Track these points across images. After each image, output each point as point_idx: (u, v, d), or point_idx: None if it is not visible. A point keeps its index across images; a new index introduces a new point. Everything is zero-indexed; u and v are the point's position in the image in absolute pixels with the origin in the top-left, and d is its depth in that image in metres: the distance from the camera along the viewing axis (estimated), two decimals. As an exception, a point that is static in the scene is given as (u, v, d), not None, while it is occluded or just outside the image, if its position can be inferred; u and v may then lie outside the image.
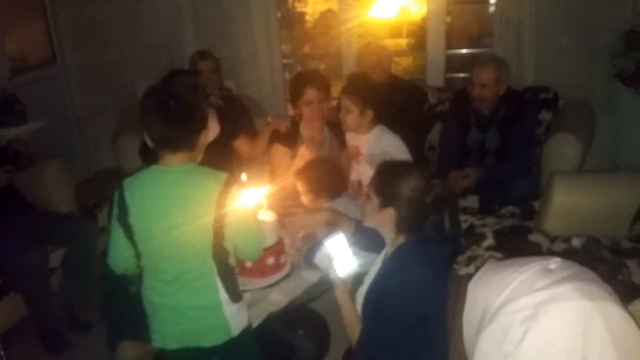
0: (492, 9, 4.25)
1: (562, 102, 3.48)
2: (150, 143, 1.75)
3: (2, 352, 2.77)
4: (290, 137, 2.89)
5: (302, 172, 2.53)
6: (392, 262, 1.77)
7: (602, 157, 3.67)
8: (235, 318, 1.82)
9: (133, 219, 1.73)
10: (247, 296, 2.02)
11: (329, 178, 2.50)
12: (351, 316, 1.83)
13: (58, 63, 4.53)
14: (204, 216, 1.69)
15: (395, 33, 6.00)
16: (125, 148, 3.62)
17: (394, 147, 2.78)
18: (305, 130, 2.92)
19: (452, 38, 4.59)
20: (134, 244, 1.77)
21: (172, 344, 1.81)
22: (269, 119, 3.04)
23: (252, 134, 3.19)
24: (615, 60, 3.54)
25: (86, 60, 4.55)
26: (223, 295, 1.77)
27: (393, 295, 1.70)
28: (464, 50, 4.52)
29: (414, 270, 1.68)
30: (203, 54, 3.63)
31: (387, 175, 1.79)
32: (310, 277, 2.21)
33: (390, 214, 1.75)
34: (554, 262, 0.98)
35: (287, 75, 4.56)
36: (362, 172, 2.86)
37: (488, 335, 0.99)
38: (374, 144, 2.83)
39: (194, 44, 4.28)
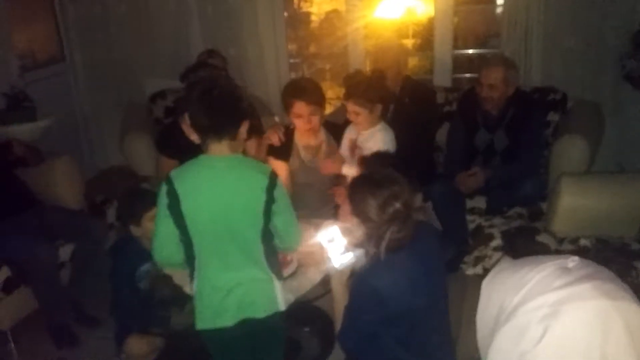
0: (499, 9, 4.25)
1: (570, 104, 3.48)
2: (194, 135, 1.90)
3: (12, 346, 2.80)
4: (284, 149, 2.86)
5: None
6: (364, 269, 1.82)
7: (610, 159, 3.66)
8: (281, 294, 1.96)
9: (186, 206, 1.82)
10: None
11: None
12: (340, 306, 1.88)
13: (67, 60, 4.55)
14: (255, 202, 1.84)
15: (402, 33, 5.98)
16: (133, 145, 3.65)
17: (379, 148, 2.71)
18: (299, 138, 2.89)
19: (458, 39, 4.59)
20: (185, 232, 1.85)
21: (224, 321, 1.90)
22: (267, 133, 2.92)
23: (260, 135, 3.19)
24: (624, 62, 3.53)
25: (94, 58, 4.57)
26: (270, 272, 1.93)
27: (354, 300, 1.79)
28: (471, 51, 4.53)
29: (378, 280, 1.72)
30: (211, 52, 3.67)
31: (354, 190, 1.81)
32: (315, 275, 2.23)
33: (357, 224, 1.79)
34: (572, 261, 0.99)
35: (294, 75, 4.57)
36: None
37: (505, 334, 0.99)
38: (369, 138, 2.79)
39: (201, 43, 4.30)
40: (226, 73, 3.44)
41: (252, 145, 3.07)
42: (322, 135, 2.93)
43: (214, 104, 1.83)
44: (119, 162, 4.04)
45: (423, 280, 1.77)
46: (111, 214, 3.32)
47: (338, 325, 1.88)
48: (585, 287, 0.94)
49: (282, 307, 1.97)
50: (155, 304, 2.33)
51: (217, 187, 1.85)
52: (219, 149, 1.86)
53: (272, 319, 1.96)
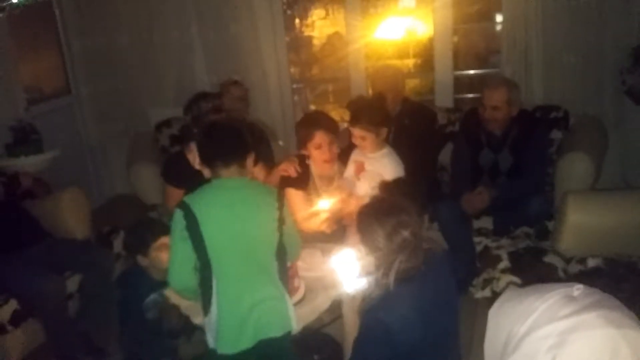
0: (498, 27, 4.28)
1: (573, 121, 3.48)
2: (204, 168, 2.06)
3: (21, 380, 2.80)
4: (301, 179, 2.86)
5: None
6: (374, 301, 1.79)
7: (614, 174, 3.66)
8: (293, 313, 2.02)
9: (205, 227, 1.89)
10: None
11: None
12: (351, 332, 1.89)
13: (72, 93, 4.61)
14: (269, 219, 1.96)
15: (402, 54, 6.04)
16: (139, 174, 3.68)
17: (388, 174, 2.72)
18: (315, 167, 2.90)
19: (459, 57, 4.62)
20: (203, 254, 1.90)
21: (244, 343, 1.93)
22: (281, 165, 2.91)
23: (270, 163, 3.20)
24: (624, 77, 3.55)
25: (100, 89, 4.63)
26: (283, 290, 2.00)
27: (363, 334, 1.76)
28: (472, 72, 4.56)
29: (388, 314, 1.69)
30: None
31: (362, 218, 1.81)
32: (324, 302, 2.22)
33: (366, 253, 1.79)
34: (577, 289, 0.99)
35: (297, 99, 4.61)
36: (361, 189, 2.82)
37: (513, 363, 0.99)
38: (375, 162, 2.80)
39: (205, 71, 4.36)
40: (246, 103, 3.54)
41: (261, 172, 3.08)
42: (336, 166, 2.93)
43: (219, 137, 2.01)
44: (126, 191, 4.07)
45: (434, 313, 1.74)
46: (118, 244, 3.33)
47: (348, 353, 1.87)
48: (591, 316, 0.94)
49: (295, 326, 2.01)
50: (163, 335, 2.32)
51: (233, 206, 1.95)
52: (229, 173, 1.99)
53: (286, 339, 2.00)
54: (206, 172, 2.05)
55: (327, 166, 2.87)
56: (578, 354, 0.92)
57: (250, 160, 2.05)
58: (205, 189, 2.00)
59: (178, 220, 1.91)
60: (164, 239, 2.27)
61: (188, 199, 1.96)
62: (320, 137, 2.77)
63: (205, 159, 2.04)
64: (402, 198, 2.36)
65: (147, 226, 2.58)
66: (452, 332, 1.86)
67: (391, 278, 1.70)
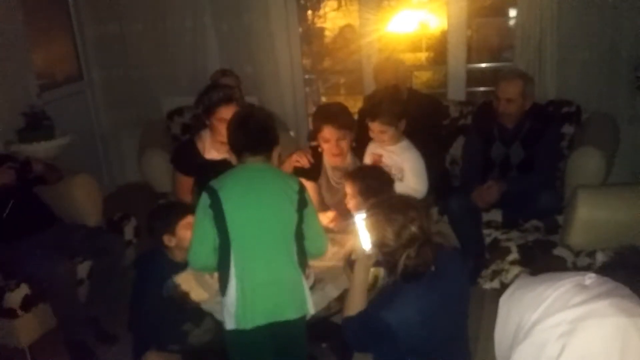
0: (512, 22, 4.26)
1: (585, 116, 3.47)
2: (232, 152, 2.10)
3: (31, 363, 2.83)
4: (313, 169, 2.87)
5: (355, 175, 2.52)
6: (380, 297, 1.81)
7: (626, 170, 3.63)
8: (310, 296, 2.06)
9: (226, 205, 1.95)
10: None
11: (380, 186, 2.44)
12: (357, 294, 1.88)
13: (85, 79, 4.64)
14: (290, 202, 2.01)
15: (415, 47, 6.03)
16: (150, 162, 3.69)
17: (409, 168, 2.76)
18: (327, 159, 2.89)
19: (472, 51, 4.60)
20: (224, 231, 1.96)
21: (260, 320, 1.97)
22: (293, 155, 2.92)
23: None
24: (638, 73, 3.53)
25: (112, 76, 4.66)
26: (300, 272, 2.04)
27: (362, 323, 1.77)
28: (485, 65, 4.53)
29: (390, 314, 1.68)
30: (225, 71, 3.72)
31: (371, 215, 1.81)
32: (333, 291, 2.23)
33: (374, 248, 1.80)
34: (589, 278, 0.99)
35: (309, 90, 4.61)
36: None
37: (523, 351, 0.99)
38: (396, 157, 2.83)
39: (217, 61, 4.36)
40: (240, 92, 3.47)
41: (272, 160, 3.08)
42: (350, 158, 2.92)
43: (251, 129, 2.06)
44: (137, 178, 4.09)
45: (441, 317, 1.72)
46: (129, 230, 3.35)
47: (349, 310, 1.87)
48: (603, 304, 0.94)
49: (311, 310, 2.05)
50: (174, 321, 2.34)
51: (254, 187, 2.02)
52: (254, 160, 2.06)
53: (301, 322, 2.05)
54: (233, 159, 2.10)
55: (337, 159, 2.87)
56: (588, 342, 0.92)
57: (276, 153, 2.12)
58: (230, 171, 2.08)
59: (204, 200, 1.99)
60: (190, 218, 2.28)
61: (213, 182, 2.03)
62: (328, 132, 2.75)
63: (235, 148, 2.09)
64: (376, 181, 2.41)
65: (173, 207, 2.61)
66: (459, 336, 1.85)
67: (398, 273, 1.70)
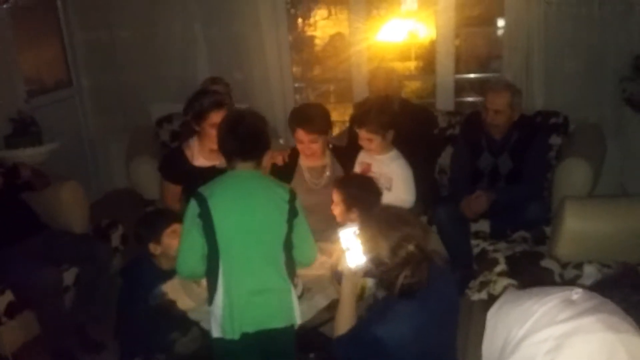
0: (500, 32, 4.30)
1: (572, 127, 3.50)
2: (222, 155, 2.08)
3: (15, 372, 2.79)
4: (287, 170, 2.89)
5: (340, 182, 2.54)
6: (371, 313, 1.79)
7: (612, 181, 3.67)
8: (297, 306, 2.05)
9: (215, 213, 1.94)
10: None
11: (366, 194, 2.45)
12: (346, 310, 1.87)
13: (73, 85, 4.61)
14: (279, 211, 2.00)
15: (404, 56, 6.05)
16: (139, 169, 3.68)
17: (397, 177, 2.77)
18: (304, 160, 2.92)
19: (461, 61, 4.63)
20: (212, 240, 1.95)
21: (248, 328, 1.97)
22: (273, 152, 2.93)
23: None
24: (624, 85, 3.57)
25: (101, 83, 4.64)
26: (289, 282, 2.04)
27: (358, 343, 1.75)
28: (473, 75, 4.56)
29: (384, 331, 1.65)
30: (215, 79, 3.71)
31: (364, 229, 1.78)
32: (321, 301, 2.23)
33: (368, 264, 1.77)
34: (576, 293, 0.99)
35: (299, 98, 4.61)
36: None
37: (510, 366, 0.99)
38: (384, 166, 2.84)
39: (207, 68, 4.36)
40: (230, 99, 3.47)
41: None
42: (327, 158, 2.95)
43: (241, 135, 2.02)
44: (125, 185, 4.06)
45: (433, 331, 1.70)
46: (116, 238, 3.33)
47: (339, 329, 1.86)
48: (589, 321, 0.94)
49: (298, 320, 2.05)
50: (160, 329, 2.32)
51: (244, 195, 2.00)
52: (244, 167, 2.04)
53: (289, 332, 2.04)
54: (224, 162, 2.11)
55: (310, 160, 2.91)
56: (576, 358, 0.92)
57: (267, 157, 2.13)
58: (219, 179, 2.06)
59: (192, 208, 1.97)
60: (176, 226, 2.28)
61: (202, 189, 2.01)
62: (299, 134, 2.81)
63: (225, 152, 2.07)
64: (362, 191, 2.40)
65: (158, 214, 2.59)
66: (450, 346, 1.84)
67: (395, 293, 1.65)
